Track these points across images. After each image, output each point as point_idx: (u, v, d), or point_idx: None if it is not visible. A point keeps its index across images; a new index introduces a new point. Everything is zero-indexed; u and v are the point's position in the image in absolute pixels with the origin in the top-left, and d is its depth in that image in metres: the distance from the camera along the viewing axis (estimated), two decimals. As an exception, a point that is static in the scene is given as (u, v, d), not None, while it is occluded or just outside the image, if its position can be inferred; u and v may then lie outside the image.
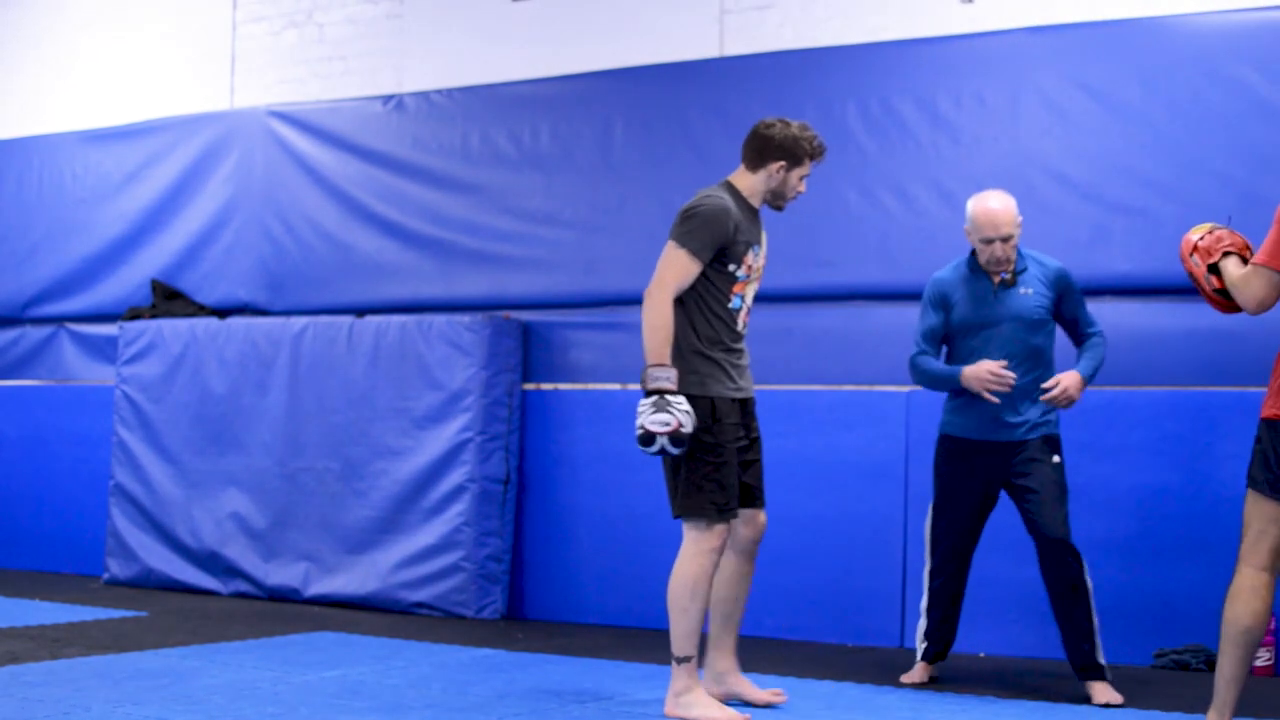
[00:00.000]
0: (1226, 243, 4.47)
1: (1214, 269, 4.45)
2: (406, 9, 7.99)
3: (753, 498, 4.79)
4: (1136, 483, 5.89)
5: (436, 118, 7.68)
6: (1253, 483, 4.07)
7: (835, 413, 6.48)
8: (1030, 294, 5.16)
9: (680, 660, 4.57)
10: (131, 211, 8.60)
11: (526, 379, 7.24)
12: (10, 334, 9.06)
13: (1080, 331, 5.28)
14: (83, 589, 7.77)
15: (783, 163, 4.71)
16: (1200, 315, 5.90)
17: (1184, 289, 5.82)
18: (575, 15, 7.48)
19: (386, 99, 7.86)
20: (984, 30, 6.45)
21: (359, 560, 7.27)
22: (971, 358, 5.17)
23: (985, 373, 5.04)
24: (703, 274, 4.61)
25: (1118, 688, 5.08)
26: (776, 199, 4.78)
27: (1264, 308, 4.21)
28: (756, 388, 6.69)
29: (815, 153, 4.75)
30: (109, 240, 8.67)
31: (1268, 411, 4.08)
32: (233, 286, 8.21)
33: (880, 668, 5.64)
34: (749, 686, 4.86)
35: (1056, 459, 5.16)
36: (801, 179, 4.76)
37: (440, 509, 7.06)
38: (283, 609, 7.21)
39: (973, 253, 5.24)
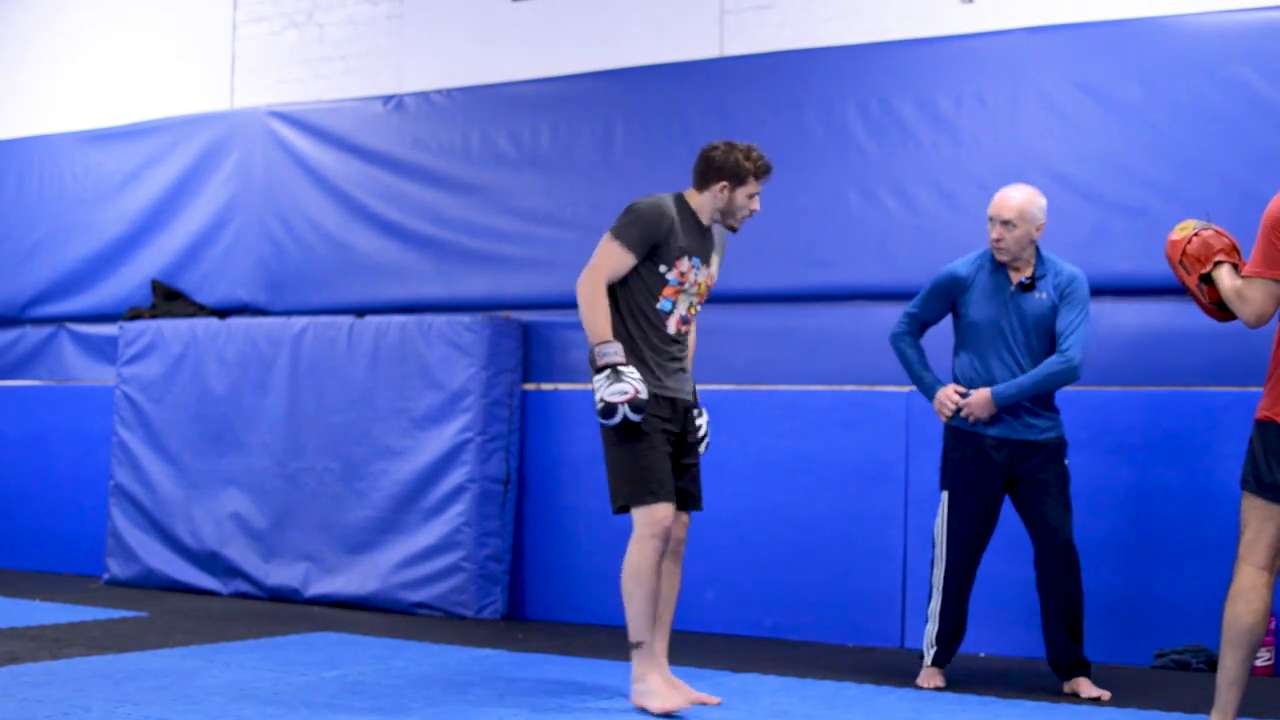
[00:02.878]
0: (1216, 249, 4.43)
1: (1207, 279, 4.43)
2: (406, 9, 7.99)
3: (684, 502, 4.86)
4: (1136, 483, 5.89)
5: (436, 118, 7.68)
6: (1244, 483, 4.09)
7: (835, 413, 6.48)
8: (1044, 299, 5.20)
9: (633, 646, 4.70)
10: (131, 211, 8.60)
11: (526, 379, 7.24)
12: (10, 334, 9.06)
13: (1060, 345, 5.18)
14: (83, 589, 7.77)
15: (725, 183, 4.79)
16: (1200, 315, 5.89)
17: (1184, 289, 5.83)
18: (575, 15, 7.48)
19: (386, 99, 7.86)
20: (984, 30, 6.45)
21: (359, 560, 7.27)
22: (984, 356, 5.20)
23: (944, 397, 5.22)
24: (635, 271, 4.73)
25: (1117, 687, 5.09)
26: (726, 218, 4.86)
27: (1264, 320, 4.17)
28: (757, 388, 6.72)
29: (759, 172, 4.81)
30: (109, 240, 8.67)
31: (1259, 413, 4.09)
32: (233, 286, 8.21)
33: (880, 668, 5.64)
34: (681, 686, 4.82)
35: (1065, 462, 5.22)
36: (750, 197, 4.82)
37: (440, 509, 7.06)
38: (283, 609, 7.21)
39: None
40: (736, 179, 4.78)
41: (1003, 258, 5.20)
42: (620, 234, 4.73)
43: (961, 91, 6.41)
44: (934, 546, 5.31)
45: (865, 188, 6.58)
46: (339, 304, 7.82)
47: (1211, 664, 5.47)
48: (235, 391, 7.75)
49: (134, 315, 8.30)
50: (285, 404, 7.58)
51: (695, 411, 4.97)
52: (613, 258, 4.73)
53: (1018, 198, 5.18)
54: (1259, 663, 5.51)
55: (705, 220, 4.87)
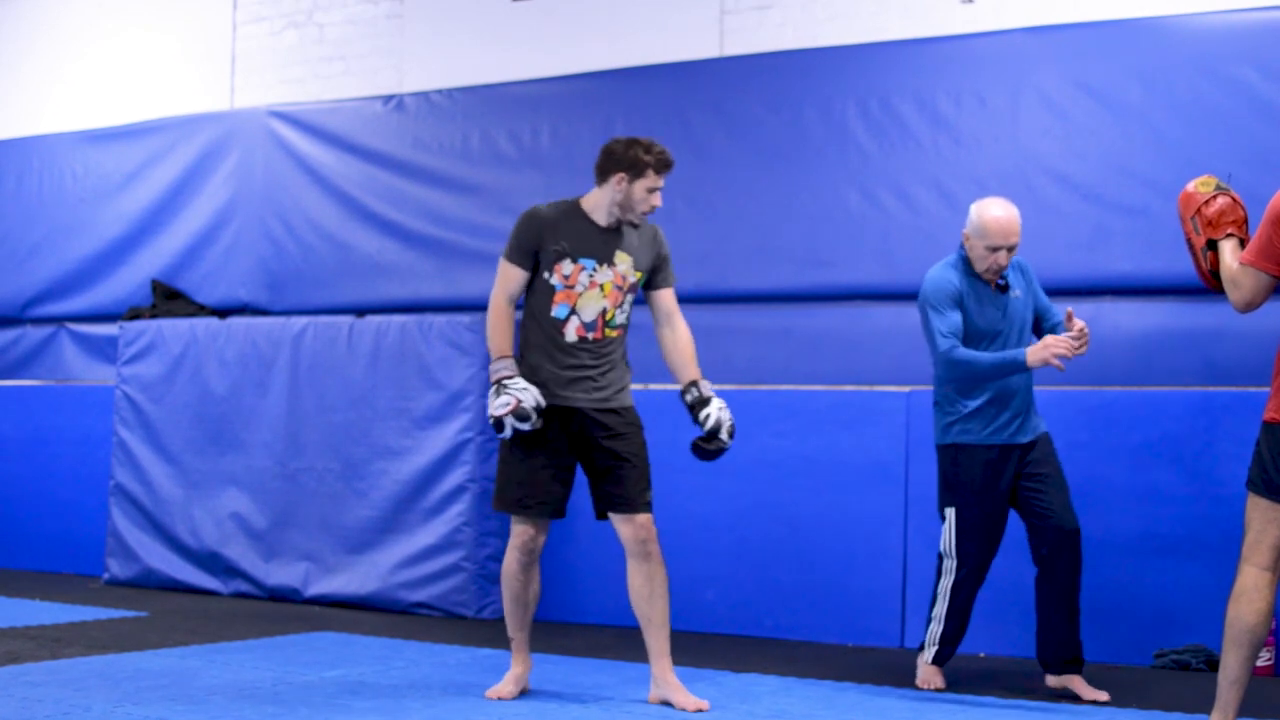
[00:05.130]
0: (1230, 220, 4.42)
1: (1213, 245, 4.43)
2: (406, 9, 7.99)
3: (616, 504, 4.85)
4: (1136, 483, 5.89)
5: (436, 118, 7.68)
6: (1249, 483, 4.09)
7: (835, 413, 6.48)
8: (1019, 295, 5.17)
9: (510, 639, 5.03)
10: (131, 211, 8.60)
11: (526, 379, 7.23)
12: (10, 334, 9.06)
13: (1051, 321, 5.24)
14: (83, 589, 7.77)
15: (623, 174, 4.80)
16: (1200, 315, 5.92)
17: (1184, 289, 5.84)
18: (575, 15, 7.49)
19: (386, 99, 7.87)
20: (984, 30, 6.45)
21: (359, 560, 7.28)
22: None
23: (1053, 341, 4.84)
24: (532, 282, 4.88)
25: (1117, 687, 5.08)
26: (625, 211, 4.84)
27: (1251, 308, 4.20)
28: (757, 388, 6.71)
29: (658, 165, 4.81)
30: (109, 240, 8.67)
31: (1266, 415, 4.09)
32: (233, 286, 8.22)
33: (880, 668, 5.64)
34: (676, 691, 4.81)
35: (1055, 451, 5.20)
36: (651, 191, 4.81)
37: (440, 509, 7.06)
38: (283, 609, 7.21)
39: (964, 257, 5.14)
40: (635, 171, 4.78)
41: (995, 279, 5.10)
42: (506, 250, 4.89)
43: (961, 91, 6.41)
44: (940, 559, 5.21)
45: (865, 188, 6.59)
46: (339, 304, 7.83)
47: (1211, 664, 5.47)
48: (235, 391, 7.75)
49: (134, 315, 8.30)
50: (285, 404, 7.59)
51: (702, 403, 4.90)
52: (504, 274, 4.89)
53: (1017, 217, 5.06)
54: (1259, 662, 5.51)
55: (603, 219, 4.86)
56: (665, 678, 4.83)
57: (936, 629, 5.22)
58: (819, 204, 6.68)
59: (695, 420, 4.91)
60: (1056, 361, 4.85)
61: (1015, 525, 5.36)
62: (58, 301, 8.86)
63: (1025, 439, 5.14)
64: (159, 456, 7.95)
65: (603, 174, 4.84)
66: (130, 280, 8.55)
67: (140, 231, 8.56)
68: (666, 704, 4.81)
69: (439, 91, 7.72)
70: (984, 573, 5.21)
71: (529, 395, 4.72)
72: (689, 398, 4.92)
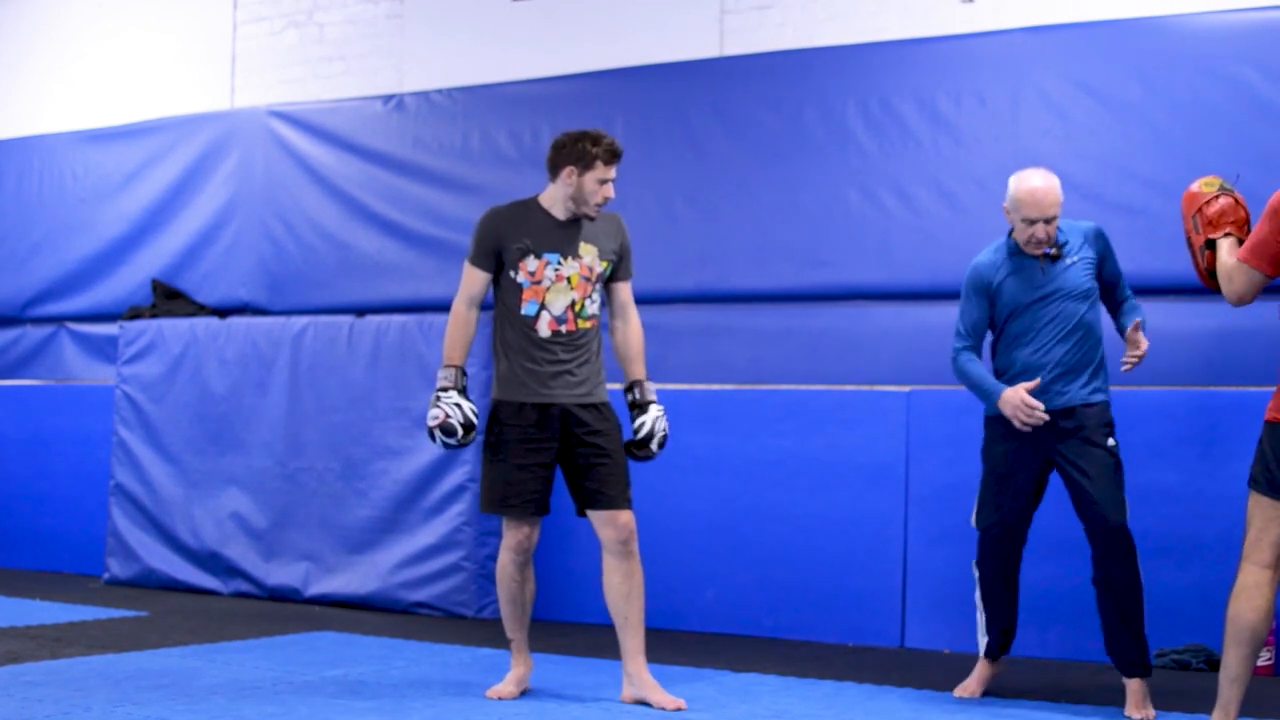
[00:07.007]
0: (1230, 220, 4.44)
1: (1212, 245, 4.45)
2: (406, 9, 7.99)
3: (596, 501, 4.83)
4: (1136, 483, 5.85)
5: (436, 118, 7.68)
6: (1251, 481, 4.10)
7: (835, 413, 6.48)
8: (1076, 263, 4.94)
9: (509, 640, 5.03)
10: (131, 211, 8.61)
11: (526, 379, 7.23)
12: (10, 334, 9.07)
13: (1119, 297, 5.05)
14: (83, 589, 7.77)
15: (572, 168, 4.82)
16: (1200, 315, 5.92)
17: (1184, 289, 5.84)
18: (575, 15, 7.49)
19: (386, 99, 7.87)
20: (984, 30, 6.45)
21: (359, 560, 7.28)
22: (1021, 339, 4.93)
23: (1020, 402, 4.77)
24: (497, 283, 4.88)
25: (1119, 687, 5.07)
26: (580, 205, 4.85)
27: (1243, 303, 4.28)
28: (757, 388, 6.71)
29: (606, 155, 4.81)
30: (109, 240, 8.67)
31: (1269, 414, 4.09)
32: (233, 286, 8.22)
33: (880, 668, 5.64)
34: (653, 690, 4.81)
35: (1112, 441, 4.94)
36: (601, 182, 4.82)
37: (440, 509, 7.06)
38: (283, 609, 7.21)
39: (1011, 232, 4.98)
40: (583, 163, 4.79)
41: (1039, 251, 4.90)
42: (469, 254, 4.90)
43: (961, 91, 6.41)
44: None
45: (865, 188, 6.59)
46: (339, 304, 7.83)
47: (1211, 664, 5.47)
48: (235, 391, 7.76)
49: (134, 315, 8.30)
50: (285, 404, 7.59)
51: (637, 409, 4.94)
52: (467, 278, 4.89)
53: (1051, 187, 4.86)
54: (1260, 662, 5.51)
55: (562, 213, 4.87)
56: (642, 676, 4.84)
57: (980, 617, 5.12)
58: (819, 204, 6.69)
59: (632, 423, 4.95)
60: (1018, 424, 4.80)
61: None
62: (58, 301, 8.86)
63: (1055, 405, 4.87)
64: (159, 456, 7.96)
65: (554, 169, 4.86)
66: (130, 280, 8.56)
67: (140, 231, 8.56)
68: (642, 703, 4.82)
69: (439, 91, 7.72)
70: (1006, 547, 5.01)
71: (458, 411, 4.81)
72: (630, 398, 4.98)
